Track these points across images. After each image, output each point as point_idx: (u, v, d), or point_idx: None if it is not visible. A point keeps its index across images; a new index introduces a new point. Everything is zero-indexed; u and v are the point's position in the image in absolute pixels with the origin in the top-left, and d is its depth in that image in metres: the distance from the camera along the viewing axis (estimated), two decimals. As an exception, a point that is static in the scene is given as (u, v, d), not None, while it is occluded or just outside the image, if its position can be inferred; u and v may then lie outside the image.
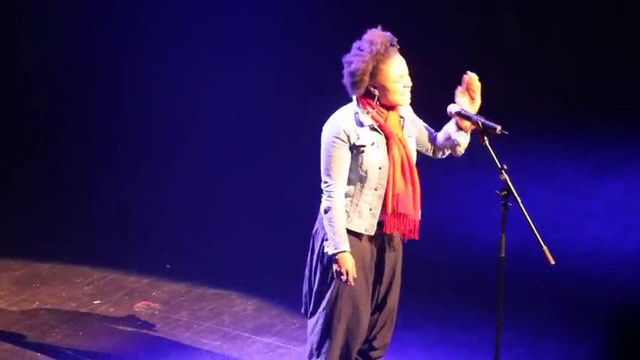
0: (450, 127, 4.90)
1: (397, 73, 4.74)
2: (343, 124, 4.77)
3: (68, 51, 9.79)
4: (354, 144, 4.76)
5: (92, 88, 9.78)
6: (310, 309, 5.00)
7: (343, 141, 4.76)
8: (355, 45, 4.78)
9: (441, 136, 4.97)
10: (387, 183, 4.80)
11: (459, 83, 4.86)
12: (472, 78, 4.82)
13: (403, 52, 4.79)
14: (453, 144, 4.90)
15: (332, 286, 4.87)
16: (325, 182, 4.81)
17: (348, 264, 4.76)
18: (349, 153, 4.78)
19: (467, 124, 4.82)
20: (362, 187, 4.81)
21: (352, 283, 4.78)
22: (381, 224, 4.87)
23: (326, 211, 4.79)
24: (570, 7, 8.24)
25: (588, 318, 6.65)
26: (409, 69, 4.79)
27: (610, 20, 8.16)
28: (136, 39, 9.53)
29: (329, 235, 4.78)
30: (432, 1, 8.60)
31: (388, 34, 4.78)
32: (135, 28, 9.51)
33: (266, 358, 6.12)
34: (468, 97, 4.83)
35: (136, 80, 9.53)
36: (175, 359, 6.10)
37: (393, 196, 4.81)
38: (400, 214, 4.84)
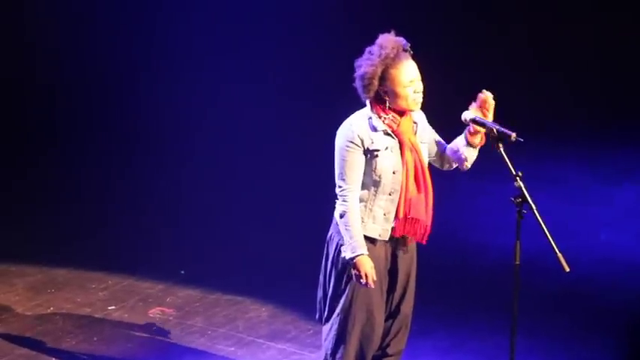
0: (459, 141, 4.91)
1: (407, 78, 4.73)
2: (357, 129, 4.77)
3: (85, 52, 9.84)
4: (367, 148, 4.76)
5: (106, 92, 9.81)
6: (325, 315, 5.00)
7: (357, 145, 4.76)
8: (367, 49, 4.79)
9: (450, 148, 4.98)
10: (400, 188, 4.81)
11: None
12: (487, 96, 4.81)
13: (416, 58, 4.79)
14: (460, 157, 4.91)
15: (346, 292, 4.87)
16: (340, 187, 4.81)
17: (367, 266, 4.75)
18: (363, 157, 4.78)
19: (477, 140, 4.84)
20: (376, 191, 4.81)
21: (372, 286, 4.78)
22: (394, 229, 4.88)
23: (341, 216, 4.80)
24: (584, 13, 8.23)
25: (603, 325, 6.63)
26: (422, 74, 4.80)
27: (623, 27, 8.15)
28: (150, 40, 9.57)
29: (345, 239, 4.78)
30: (444, 6, 8.60)
31: (401, 38, 4.78)
32: (147, 30, 9.55)
33: (280, 364, 6.15)
34: (480, 114, 4.82)
35: (150, 83, 9.56)
36: (189, 365, 6.13)
37: (406, 200, 4.81)
38: (412, 218, 4.84)
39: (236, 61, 9.37)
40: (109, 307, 6.98)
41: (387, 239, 4.86)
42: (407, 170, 4.79)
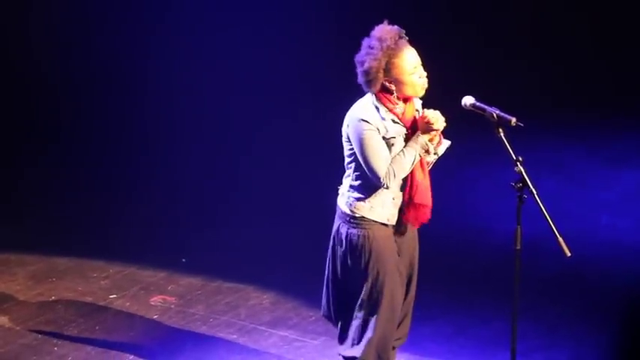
0: None
1: (411, 65, 4.74)
2: (370, 119, 4.74)
3: (93, 49, 9.84)
4: (383, 137, 4.76)
5: (110, 88, 9.81)
6: (335, 308, 5.01)
7: (376, 130, 4.74)
8: (365, 43, 4.76)
9: None
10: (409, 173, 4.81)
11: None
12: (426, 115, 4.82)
13: (413, 44, 4.78)
14: None
15: (369, 279, 4.85)
16: (378, 178, 4.75)
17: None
18: (383, 140, 4.77)
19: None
20: (387, 177, 4.81)
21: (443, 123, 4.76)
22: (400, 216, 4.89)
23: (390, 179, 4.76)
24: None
25: (604, 308, 6.64)
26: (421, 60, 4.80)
27: (619, 13, 8.15)
28: (155, 37, 9.57)
29: (409, 163, 4.76)
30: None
31: (396, 27, 4.77)
32: (152, 27, 9.55)
33: (282, 351, 6.12)
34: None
35: (152, 80, 9.56)
36: (191, 353, 6.11)
37: (413, 186, 4.82)
38: (419, 204, 4.84)
39: (237, 55, 9.37)
40: (111, 296, 6.99)
41: (394, 224, 4.87)
42: (414, 156, 4.81)
